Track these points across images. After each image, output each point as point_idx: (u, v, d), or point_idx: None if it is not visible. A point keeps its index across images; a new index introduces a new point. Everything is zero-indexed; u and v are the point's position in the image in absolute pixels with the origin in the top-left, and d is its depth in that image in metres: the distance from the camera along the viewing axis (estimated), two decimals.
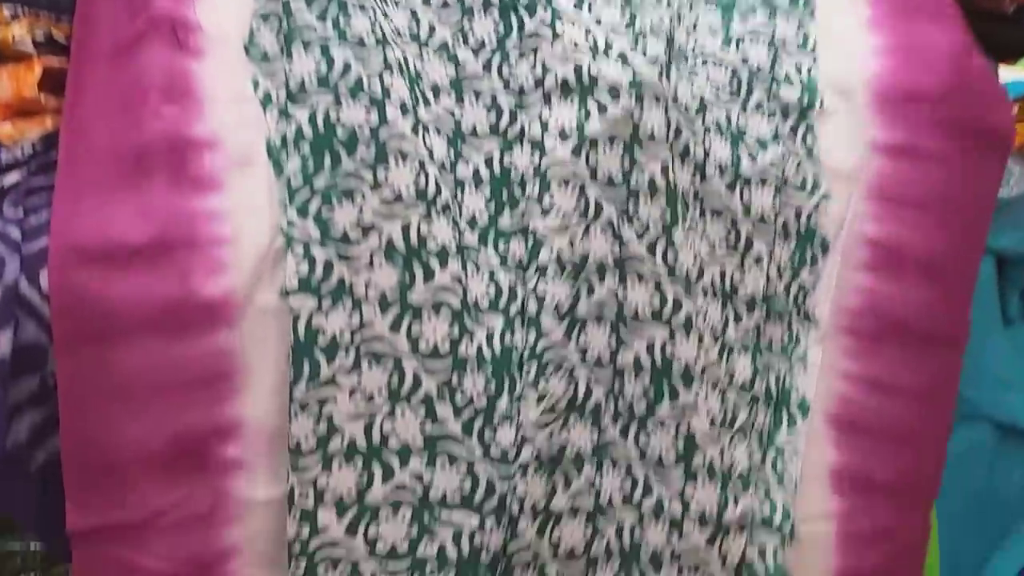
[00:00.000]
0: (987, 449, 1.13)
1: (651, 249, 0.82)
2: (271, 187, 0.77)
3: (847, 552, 0.89)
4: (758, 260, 0.87)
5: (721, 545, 0.84)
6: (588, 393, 0.81)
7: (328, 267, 0.77)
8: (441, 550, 0.78)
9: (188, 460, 0.74)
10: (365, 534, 0.77)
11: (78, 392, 0.72)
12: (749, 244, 0.88)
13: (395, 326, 0.77)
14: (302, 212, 0.77)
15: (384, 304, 0.77)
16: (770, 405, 0.88)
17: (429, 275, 0.78)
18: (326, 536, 0.76)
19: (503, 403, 0.79)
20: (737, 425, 0.86)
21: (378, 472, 0.78)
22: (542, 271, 0.80)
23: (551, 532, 0.79)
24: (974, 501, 1.10)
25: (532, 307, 0.81)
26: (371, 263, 0.77)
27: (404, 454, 0.78)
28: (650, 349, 0.82)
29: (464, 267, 0.80)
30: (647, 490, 0.82)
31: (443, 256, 0.78)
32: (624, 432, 0.82)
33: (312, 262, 0.76)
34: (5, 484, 0.81)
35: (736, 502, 0.85)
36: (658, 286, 0.82)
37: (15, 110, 0.83)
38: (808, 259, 0.89)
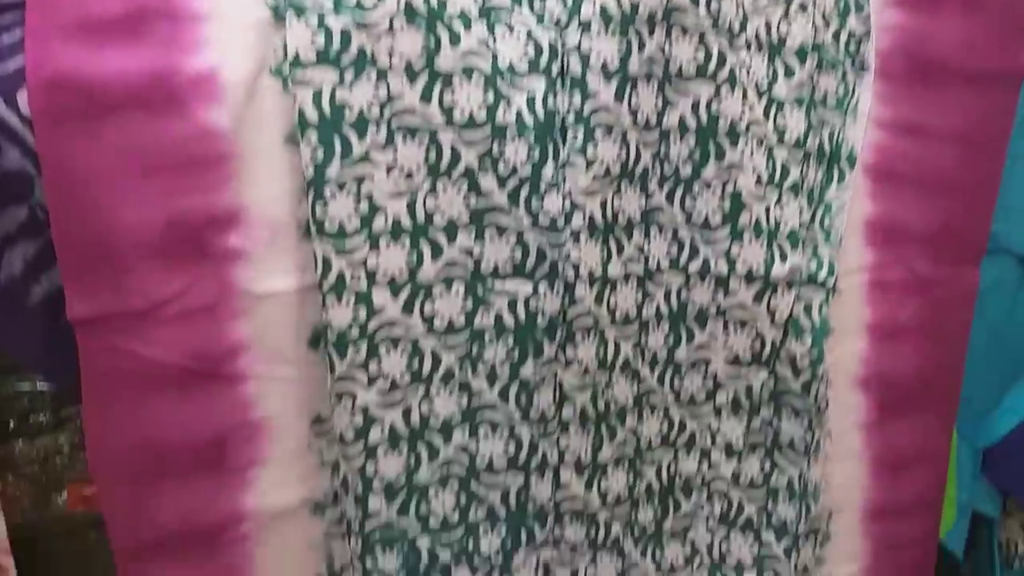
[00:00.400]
0: (1010, 284, 1.11)
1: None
2: None
3: (880, 304, 0.86)
4: (803, 7, 0.81)
5: (769, 301, 0.83)
6: (637, 157, 0.78)
7: (345, 36, 0.71)
8: (498, 319, 0.77)
9: (187, 248, 0.70)
10: (421, 311, 0.76)
11: (65, 175, 0.68)
12: None
13: (426, 96, 0.73)
14: None
15: (411, 73, 0.73)
16: (822, 161, 0.84)
17: (455, 39, 0.72)
18: (383, 316, 0.74)
19: (548, 171, 0.76)
20: (788, 182, 0.82)
21: (427, 249, 0.75)
22: (585, 26, 0.75)
23: (608, 298, 0.79)
24: (994, 335, 1.08)
25: (576, 66, 0.76)
26: (391, 29, 0.71)
27: (451, 229, 0.75)
28: (695, 107, 0.78)
29: (492, 28, 0.73)
30: (693, 252, 0.81)
31: (466, 19, 0.72)
32: (670, 196, 0.79)
33: (328, 33, 0.71)
34: (3, 318, 0.80)
35: (784, 259, 0.82)
36: (702, 38, 0.77)
37: None
38: (852, 4, 0.82)
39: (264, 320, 0.72)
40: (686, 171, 0.79)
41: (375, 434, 0.76)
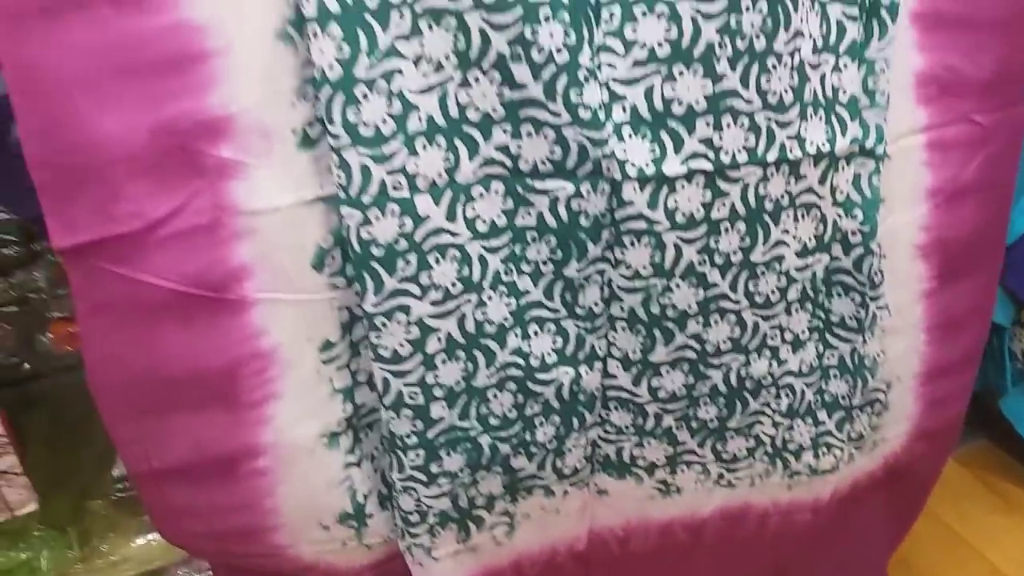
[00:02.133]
0: None
1: None
2: None
3: (941, 166, 0.81)
4: None
5: (832, 180, 0.77)
6: (696, 34, 0.69)
7: None
8: (540, 218, 0.73)
9: (177, 161, 0.63)
10: (464, 215, 0.71)
11: (32, 82, 0.60)
12: None
13: None
14: None
15: None
16: (861, 15, 0.75)
17: None
18: (430, 224, 0.69)
19: (585, 57, 0.67)
20: (845, 44, 0.74)
21: (463, 149, 0.69)
22: None
23: (666, 199, 0.71)
24: None
25: None
26: None
27: (485, 125, 0.69)
28: None
29: None
30: (771, 139, 0.72)
31: None
32: (744, 77, 0.70)
33: None
34: None
35: (845, 131, 0.75)
36: None
37: None
38: None
39: (265, 240, 0.67)
40: (760, 44, 0.69)
41: (432, 344, 0.74)
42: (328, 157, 0.66)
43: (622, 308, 0.76)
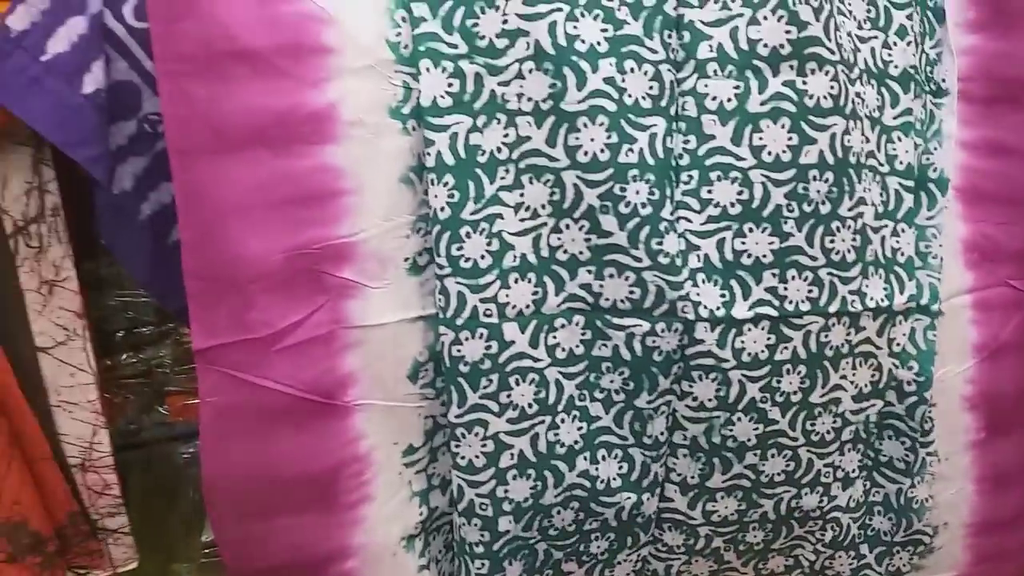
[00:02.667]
0: None
1: (826, 30, 0.73)
2: None
3: (984, 324, 0.86)
4: (901, 33, 0.80)
5: (889, 332, 0.82)
6: (765, 196, 0.75)
7: (478, 82, 0.72)
8: (615, 350, 0.79)
9: (305, 280, 0.73)
10: (546, 343, 0.78)
11: (197, 207, 0.70)
12: (889, 16, 0.80)
13: (551, 138, 0.73)
14: (447, 24, 0.71)
15: (539, 115, 0.73)
16: (915, 186, 0.83)
17: (581, 81, 0.72)
18: (513, 349, 0.77)
19: (666, 211, 0.75)
20: (902, 211, 0.81)
21: (550, 284, 0.77)
22: (701, 67, 0.74)
23: (733, 340, 0.77)
24: None
25: (691, 109, 0.74)
26: (520, 73, 0.72)
27: (572, 265, 0.77)
28: (832, 142, 0.75)
29: (620, 64, 0.73)
30: (832, 293, 0.78)
31: (594, 55, 0.72)
32: (810, 236, 0.76)
33: (462, 79, 0.72)
34: (116, 231, 0.82)
35: (903, 289, 0.82)
36: (834, 74, 0.74)
37: None
38: (927, 28, 0.82)
39: (371, 352, 0.75)
40: (825, 209, 0.76)
41: (505, 460, 0.79)
42: (431, 282, 0.75)
43: (684, 436, 0.80)
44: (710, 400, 0.78)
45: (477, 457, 0.78)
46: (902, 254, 0.81)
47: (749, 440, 0.80)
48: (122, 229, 0.81)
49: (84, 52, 0.73)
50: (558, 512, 0.81)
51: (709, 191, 0.75)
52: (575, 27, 0.71)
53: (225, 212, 0.70)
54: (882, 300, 0.80)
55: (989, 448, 0.88)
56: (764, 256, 0.76)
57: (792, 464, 0.82)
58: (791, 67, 0.74)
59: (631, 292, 0.76)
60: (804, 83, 0.74)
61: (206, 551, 1.13)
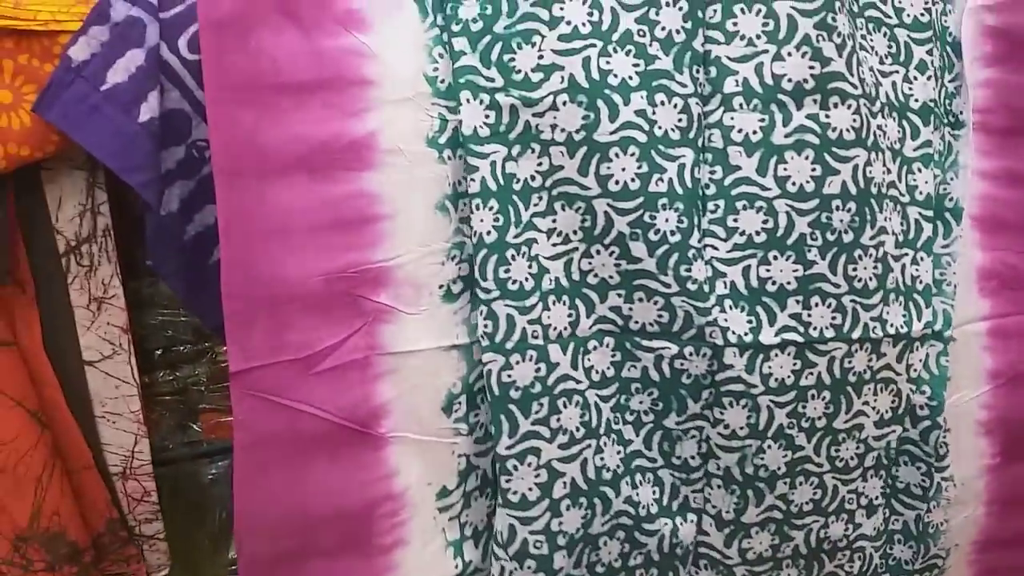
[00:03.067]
0: None
1: (848, 66, 0.76)
2: (416, 30, 0.75)
3: (1001, 352, 0.87)
4: (921, 68, 0.82)
5: (908, 358, 0.83)
6: (790, 225, 0.77)
7: (514, 113, 0.75)
8: (644, 371, 0.80)
9: (342, 303, 0.74)
10: (583, 365, 0.79)
11: (239, 227, 0.72)
12: (910, 51, 0.82)
13: (583, 168, 0.75)
14: (485, 59, 0.74)
15: (571, 146, 0.75)
16: (933, 216, 0.85)
17: (614, 114, 0.74)
18: (559, 370, 0.78)
19: (695, 239, 0.77)
20: (921, 240, 0.83)
21: (582, 307, 0.79)
22: (727, 101, 0.76)
23: (761, 366, 0.78)
24: None
25: (718, 141, 0.77)
26: (554, 105, 0.74)
27: (602, 289, 0.79)
28: (855, 173, 0.77)
29: (652, 96, 0.75)
30: (855, 320, 0.79)
31: (626, 89, 0.75)
32: (833, 264, 0.78)
33: (499, 110, 0.74)
34: (161, 251, 0.85)
35: (920, 316, 0.83)
36: (856, 107, 0.77)
37: None
38: (946, 62, 0.84)
39: (405, 380, 0.76)
40: (848, 237, 0.78)
41: (559, 489, 0.78)
42: (465, 310, 0.77)
43: (718, 466, 0.80)
44: (741, 428, 0.78)
45: (530, 490, 0.77)
46: (920, 282, 0.83)
47: (779, 468, 0.81)
48: (167, 249, 0.84)
49: (141, 83, 0.77)
50: (605, 543, 0.81)
51: (735, 220, 0.77)
52: (608, 62, 0.74)
53: (266, 233, 0.72)
54: (901, 327, 0.81)
55: (1004, 472, 0.89)
56: (788, 283, 0.78)
57: (819, 492, 0.83)
58: (814, 101, 0.76)
59: (660, 316, 0.77)
60: (827, 116, 0.76)
61: (232, 568, 1.15)
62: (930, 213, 0.83)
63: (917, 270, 0.83)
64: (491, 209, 0.75)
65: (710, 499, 0.82)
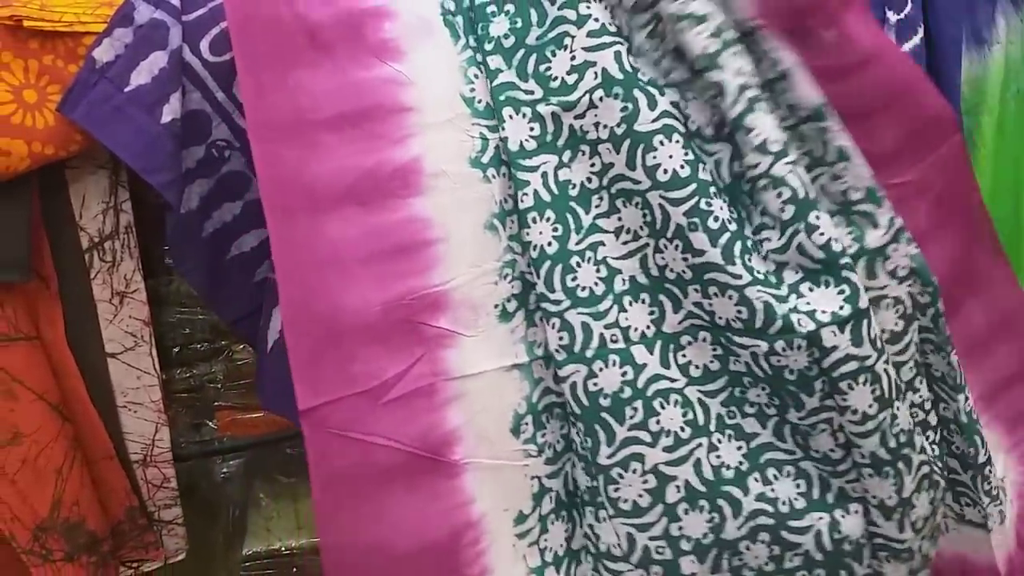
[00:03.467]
0: None
1: None
2: (450, 53, 0.76)
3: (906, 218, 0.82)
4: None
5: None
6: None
7: (557, 120, 0.76)
8: (748, 367, 0.75)
9: (404, 330, 0.73)
10: (676, 362, 0.76)
11: (295, 264, 0.72)
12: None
13: (631, 161, 0.74)
14: (521, 73, 0.76)
15: (616, 140, 0.74)
16: None
17: (652, 103, 0.74)
18: (648, 371, 0.75)
19: (748, 230, 0.75)
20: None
21: (667, 303, 0.76)
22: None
23: (867, 331, 0.73)
24: None
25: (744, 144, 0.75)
26: (592, 103, 0.75)
27: (681, 284, 0.75)
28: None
29: (684, 95, 0.75)
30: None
31: (658, 86, 0.74)
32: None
33: (542, 120, 0.75)
34: (181, 247, 0.88)
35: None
36: None
37: None
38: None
39: (471, 404, 0.75)
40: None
41: (672, 494, 0.74)
42: (521, 329, 0.76)
43: (862, 455, 0.73)
44: (871, 406, 0.72)
45: (640, 496, 0.74)
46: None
47: (911, 427, 0.75)
48: (187, 245, 0.87)
49: (164, 84, 0.79)
50: (748, 548, 0.75)
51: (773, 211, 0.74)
52: (636, 61, 0.75)
53: (322, 267, 0.72)
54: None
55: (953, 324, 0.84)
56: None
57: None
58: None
59: (739, 311, 0.72)
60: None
61: (246, 565, 1.16)
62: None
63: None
64: (548, 220, 0.74)
65: (869, 489, 0.74)
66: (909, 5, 0.90)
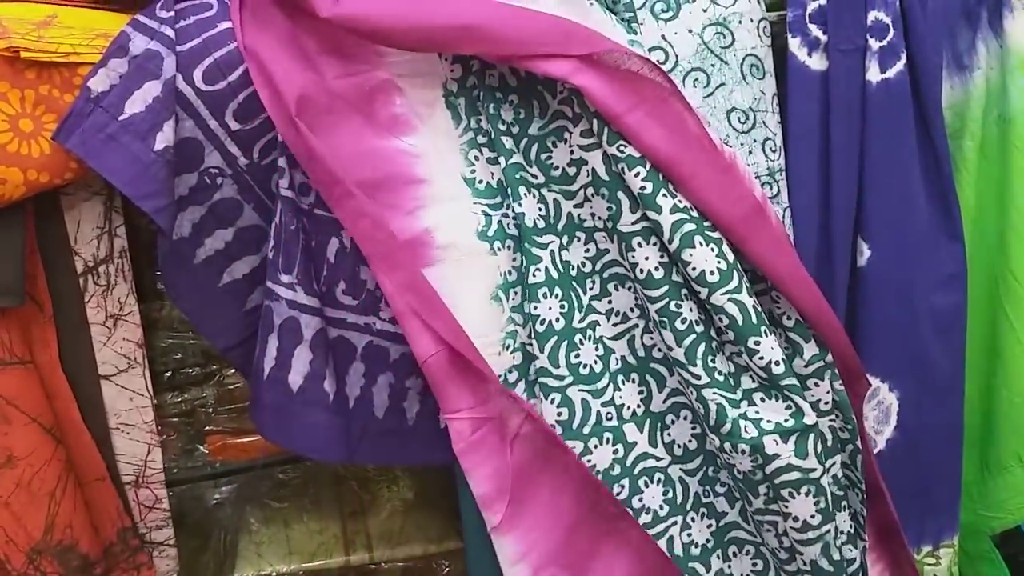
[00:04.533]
0: None
1: None
2: (451, 135, 0.79)
3: None
4: None
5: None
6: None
7: (558, 206, 0.78)
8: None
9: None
10: (662, 440, 0.81)
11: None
12: None
13: (620, 252, 0.78)
14: (527, 158, 0.78)
15: (608, 231, 0.78)
16: None
17: (634, 205, 0.77)
18: (638, 449, 0.79)
19: (713, 331, 0.78)
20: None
21: (653, 383, 0.80)
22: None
23: (812, 447, 0.79)
24: None
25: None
26: (587, 196, 0.78)
27: (667, 365, 0.80)
28: None
29: (672, 195, 0.78)
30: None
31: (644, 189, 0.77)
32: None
33: (546, 203, 0.78)
34: (173, 274, 0.88)
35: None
36: None
37: None
38: None
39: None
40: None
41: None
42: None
43: (804, 562, 0.79)
44: (813, 516, 0.76)
45: None
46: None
47: (856, 543, 0.81)
48: (178, 271, 0.87)
49: (157, 113, 0.79)
50: None
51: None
52: (617, 165, 0.76)
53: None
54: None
55: None
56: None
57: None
58: None
59: (698, 406, 0.76)
60: None
61: None
62: None
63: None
64: (556, 296, 0.77)
65: None
66: (891, 32, 0.91)
